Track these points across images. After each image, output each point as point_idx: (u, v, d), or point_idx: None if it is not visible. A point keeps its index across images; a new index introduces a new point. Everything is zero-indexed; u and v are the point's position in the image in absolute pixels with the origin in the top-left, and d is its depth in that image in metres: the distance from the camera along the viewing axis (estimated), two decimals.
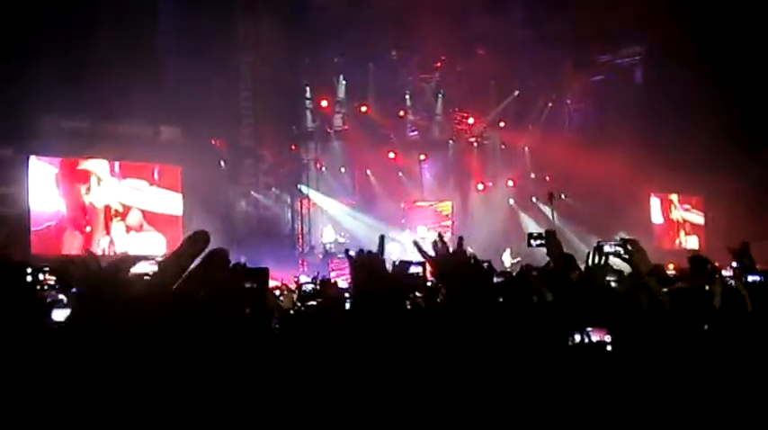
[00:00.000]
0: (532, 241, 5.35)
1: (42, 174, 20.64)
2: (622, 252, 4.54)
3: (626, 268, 4.75)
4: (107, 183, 21.56)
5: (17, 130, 19.77)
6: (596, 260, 4.41)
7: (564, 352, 4.13)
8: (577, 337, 4.20)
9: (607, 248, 4.62)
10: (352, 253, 4.16)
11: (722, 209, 27.59)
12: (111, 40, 20.11)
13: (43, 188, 20.59)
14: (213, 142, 23.83)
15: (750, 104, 24.61)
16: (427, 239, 26.12)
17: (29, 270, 4.90)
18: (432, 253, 4.67)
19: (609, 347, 4.36)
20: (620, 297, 4.47)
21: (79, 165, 21.36)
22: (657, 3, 22.98)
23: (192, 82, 20.95)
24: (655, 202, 30.78)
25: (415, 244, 4.82)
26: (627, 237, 4.75)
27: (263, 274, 4.30)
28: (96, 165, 21.52)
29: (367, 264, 4.44)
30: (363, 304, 4.27)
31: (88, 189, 21.37)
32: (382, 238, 4.43)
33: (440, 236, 4.49)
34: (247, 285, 4.11)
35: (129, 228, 21.84)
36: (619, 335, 4.32)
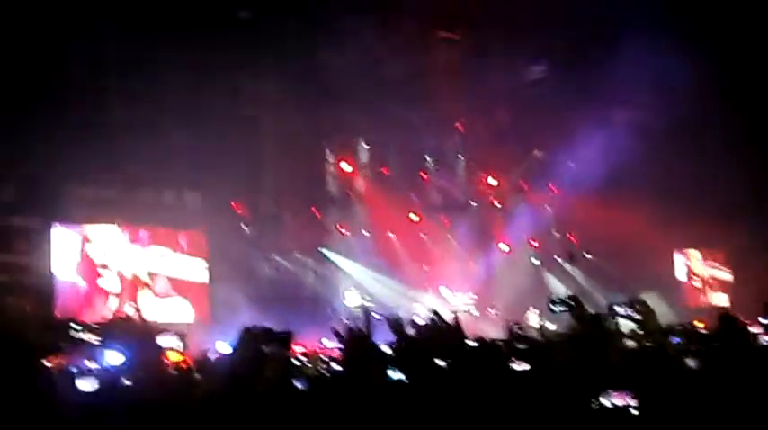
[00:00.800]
0: (553, 307, 5.34)
1: (66, 242, 20.79)
2: (632, 313, 4.55)
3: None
4: (132, 251, 21.67)
5: (41, 200, 19.99)
6: (611, 324, 4.42)
7: (587, 416, 4.12)
8: (602, 401, 4.18)
9: (618, 309, 4.63)
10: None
11: (746, 263, 27.40)
12: (129, 106, 20.35)
13: (67, 257, 20.72)
14: (235, 206, 23.91)
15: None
16: (450, 300, 26.20)
17: (74, 325, 4.97)
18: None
19: (634, 411, 4.33)
20: (640, 360, 4.46)
21: (103, 232, 21.46)
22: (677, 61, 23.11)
23: (212, 147, 21.11)
24: (678, 259, 30.62)
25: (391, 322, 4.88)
26: (636, 298, 4.76)
27: (286, 338, 4.33)
28: (120, 233, 21.64)
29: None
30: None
31: (113, 257, 21.47)
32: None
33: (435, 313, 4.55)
34: (266, 349, 4.13)
35: (156, 295, 21.90)
36: (644, 397, 4.30)
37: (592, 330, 4.75)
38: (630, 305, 4.84)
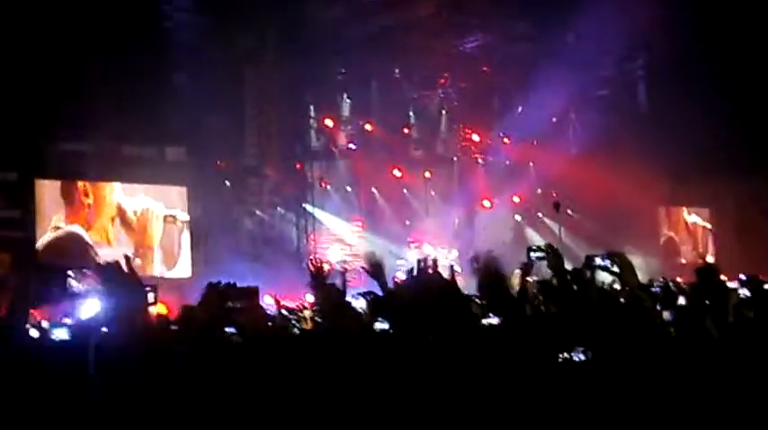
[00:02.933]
0: (532, 254, 5.33)
1: (47, 196, 20.67)
2: (611, 266, 4.52)
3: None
4: (114, 204, 21.56)
5: (21, 154, 19.86)
6: (587, 274, 4.41)
7: (558, 369, 4.10)
8: (567, 355, 4.16)
9: (597, 261, 4.61)
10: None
11: (729, 220, 27.56)
12: (113, 59, 20.14)
13: (49, 210, 20.62)
14: (218, 162, 23.84)
15: (751, 114, 24.59)
16: (433, 256, 26.15)
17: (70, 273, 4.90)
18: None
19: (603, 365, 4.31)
20: (615, 313, 4.44)
21: (85, 186, 21.32)
22: (659, 18, 23.02)
23: (195, 102, 20.98)
24: (662, 215, 30.75)
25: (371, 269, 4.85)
26: (614, 251, 4.72)
27: (251, 294, 4.30)
28: (102, 187, 21.52)
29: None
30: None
31: (95, 210, 21.36)
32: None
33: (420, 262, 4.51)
34: (231, 305, 4.11)
35: (140, 247, 21.79)
36: (607, 351, 4.28)
37: (568, 282, 4.72)
38: (608, 258, 4.78)
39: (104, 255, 20.01)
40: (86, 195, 21.14)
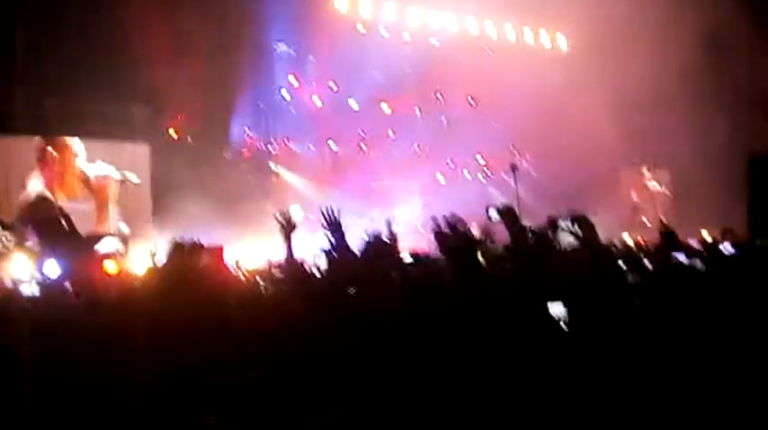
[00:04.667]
0: (491, 214, 5.36)
1: (6, 153, 20.54)
2: (572, 228, 4.56)
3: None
4: (70, 163, 21.46)
5: None
6: (550, 236, 4.45)
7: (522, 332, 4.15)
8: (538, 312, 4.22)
9: (560, 223, 4.65)
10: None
11: (689, 182, 27.87)
12: (78, 16, 19.92)
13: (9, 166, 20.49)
14: (180, 118, 23.65)
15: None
16: (397, 216, 26.26)
17: None
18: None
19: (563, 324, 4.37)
20: (577, 275, 4.49)
21: (46, 145, 21.17)
22: None
23: (162, 59, 20.80)
24: (625, 175, 31.06)
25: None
26: (577, 213, 4.74)
27: (216, 252, 4.31)
28: (68, 151, 21.40)
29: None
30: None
31: (63, 170, 21.28)
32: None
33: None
34: (196, 261, 4.11)
35: (100, 203, 21.72)
36: (576, 310, 4.34)
37: (526, 243, 4.76)
38: (571, 220, 4.81)
39: (70, 209, 20.76)
40: (53, 158, 21.11)
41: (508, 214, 4.91)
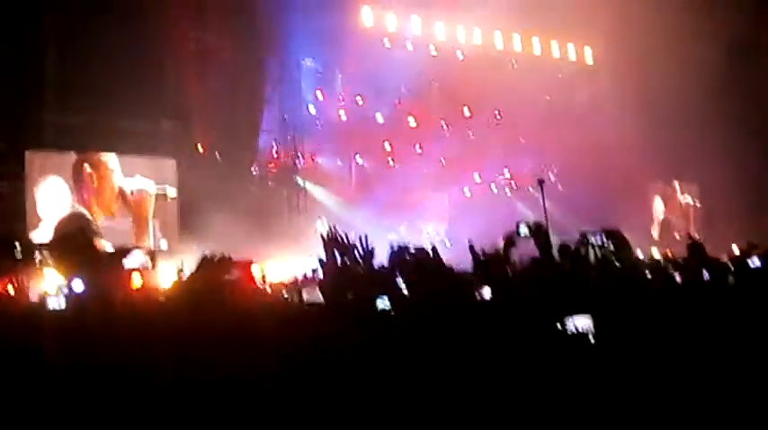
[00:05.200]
0: (521, 229, 5.33)
1: (38, 168, 20.63)
2: (607, 245, 4.49)
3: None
4: (115, 183, 21.60)
5: (11, 125, 19.82)
6: (582, 252, 4.41)
7: (551, 340, 4.12)
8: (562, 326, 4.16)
9: (592, 240, 4.60)
10: None
11: (718, 195, 27.66)
12: (107, 32, 20.06)
13: (39, 182, 20.59)
14: (209, 135, 23.78)
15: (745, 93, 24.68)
16: (423, 230, 26.23)
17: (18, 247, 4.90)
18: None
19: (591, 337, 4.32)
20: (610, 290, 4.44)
21: (83, 162, 21.31)
22: None
23: (189, 75, 20.95)
24: (654, 191, 30.88)
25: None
26: (611, 229, 4.66)
27: (245, 266, 4.31)
28: (104, 167, 21.52)
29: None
30: None
31: (100, 187, 21.39)
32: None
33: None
34: (227, 277, 4.11)
35: (138, 219, 21.85)
36: (604, 323, 4.29)
37: (552, 259, 4.73)
38: (606, 235, 4.75)
39: (108, 227, 21.06)
40: (91, 175, 21.28)
41: (539, 232, 4.89)
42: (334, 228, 5.40)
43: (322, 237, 5.54)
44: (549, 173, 27.93)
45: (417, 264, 5.07)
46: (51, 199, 20.64)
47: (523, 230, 5.29)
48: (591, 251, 4.99)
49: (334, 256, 5.13)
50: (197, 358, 3.44)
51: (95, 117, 20.90)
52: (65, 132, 20.91)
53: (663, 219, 31.19)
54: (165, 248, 21.36)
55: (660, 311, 4.65)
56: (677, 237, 29.46)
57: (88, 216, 21.01)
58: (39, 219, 20.32)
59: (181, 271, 11.43)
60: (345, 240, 5.44)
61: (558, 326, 4.29)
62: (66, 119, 20.87)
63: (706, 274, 6.63)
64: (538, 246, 4.76)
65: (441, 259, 5.16)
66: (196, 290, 3.75)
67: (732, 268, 7.56)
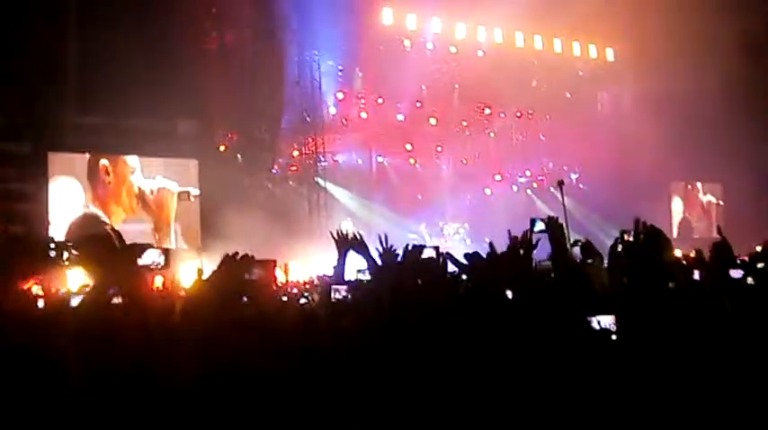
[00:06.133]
0: (536, 226, 5.27)
1: (61, 169, 20.73)
2: (645, 241, 4.36)
3: None
4: (135, 184, 21.64)
5: (34, 127, 19.94)
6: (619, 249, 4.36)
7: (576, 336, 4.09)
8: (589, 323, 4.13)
9: (630, 238, 4.50)
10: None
11: (741, 196, 27.46)
12: (126, 33, 20.13)
13: (62, 184, 20.67)
14: (229, 135, 23.86)
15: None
16: (444, 230, 26.18)
17: (52, 245, 4.90)
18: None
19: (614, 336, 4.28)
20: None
21: (99, 160, 21.37)
22: None
23: (209, 76, 20.98)
24: (676, 191, 30.71)
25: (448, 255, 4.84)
26: (649, 226, 4.49)
27: (268, 266, 4.32)
28: (122, 166, 21.57)
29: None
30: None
31: (117, 187, 21.43)
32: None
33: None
34: (248, 277, 4.11)
35: (159, 221, 21.89)
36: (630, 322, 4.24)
37: (566, 257, 4.68)
38: (639, 232, 4.58)
39: (128, 229, 20.33)
40: (107, 174, 21.27)
41: (555, 226, 4.84)
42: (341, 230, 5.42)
43: (332, 235, 5.55)
44: (570, 172, 27.88)
45: (421, 270, 5.05)
46: (62, 199, 20.70)
47: (539, 225, 5.21)
48: (622, 248, 4.93)
49: (368, 256, 5.15)
50: (216, 357, 3.44)
51: (116, 118, 20.99)
52: (88, 134, 21.03)
53: (681, 219, 30.98)
54: (186, 247, 21.41)
55: (685, 311, 4.60)
56: (696, 236, 29.27)
57: (103, 217, 20.98)
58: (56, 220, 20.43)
59: (201, 270, 11.43)
60: (360, 239, 5.45)
61: (579, 323, 4.26)
62: (88, 120, 20.98)
63: (733, 273, 6.58)
64: (551, 240, 4.71)
65: (446, 268, 5.14)
66: (217, 288, 3.75)
67: (756, 267, 7.50)
